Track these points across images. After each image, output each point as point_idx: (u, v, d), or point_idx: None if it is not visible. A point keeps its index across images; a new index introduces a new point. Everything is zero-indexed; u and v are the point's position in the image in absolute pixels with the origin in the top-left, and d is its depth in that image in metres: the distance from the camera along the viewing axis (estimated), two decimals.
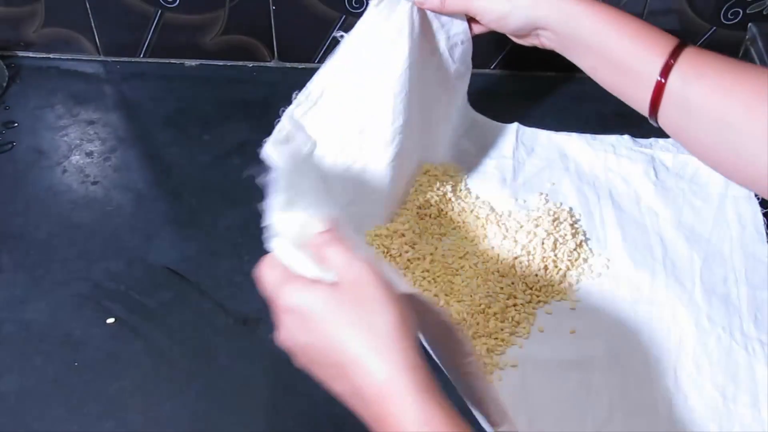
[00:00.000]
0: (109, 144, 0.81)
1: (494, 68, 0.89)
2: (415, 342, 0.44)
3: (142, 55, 0.90)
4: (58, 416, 0.60)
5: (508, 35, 0.66)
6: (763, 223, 0.72)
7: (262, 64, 0.90)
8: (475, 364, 0.52)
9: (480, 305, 0.64)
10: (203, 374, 0.62)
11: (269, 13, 0.85)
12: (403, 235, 0.68)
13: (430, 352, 0.53)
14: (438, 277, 0.66)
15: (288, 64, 0.90)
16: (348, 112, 0.65)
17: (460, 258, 0.68)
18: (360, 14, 0.83)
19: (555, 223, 0.70)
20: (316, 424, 0.60)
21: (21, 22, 0.87)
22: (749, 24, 0.83)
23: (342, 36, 0.66)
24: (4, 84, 0.86)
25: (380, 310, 0.44)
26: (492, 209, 0.72)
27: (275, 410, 0.61)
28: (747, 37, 0.83)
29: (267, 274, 0.47)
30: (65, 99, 0.86)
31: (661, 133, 0.61)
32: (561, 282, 0.67)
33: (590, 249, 0.70)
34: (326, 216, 0.48)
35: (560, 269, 0.68)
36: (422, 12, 0.66)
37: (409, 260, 0.67)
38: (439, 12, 0.66)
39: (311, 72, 0.81)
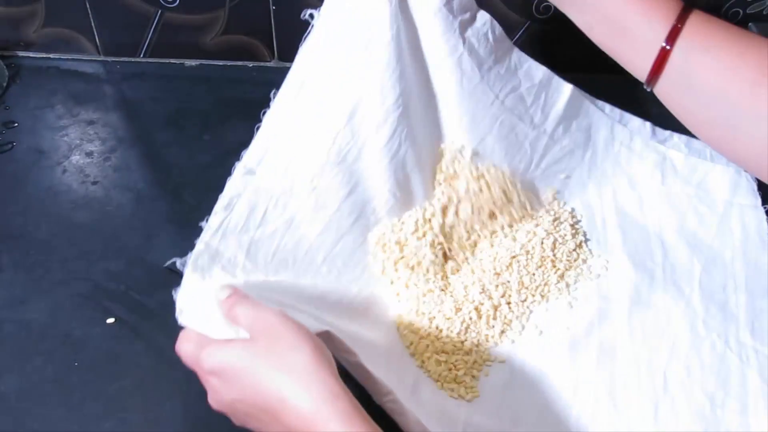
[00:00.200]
0: (109, 144, 0.81)
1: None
2: (334, 372, 0.46)
3: (142, 55, 0.90)
4: (58, 416, 0.60)
5: None
6: (767, 232, 0.71)
7: (262, 64, 0.90)
8: (396, 401, 0.53)
9: (473, 302, 0.64)
10: None
11: (269, 13, 0.85)
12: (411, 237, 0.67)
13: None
14: (436, 271, 0.66)
15: (288, 64, 0.89)
16: (334, 98, 0.62)
17: (459, 255, 0.68)
18: None
19: (555, 223, 0.70)
20: None
21: (21, 22, 0.87)
22: (749, 24, 0.83)
23: (312, 16, 0.62)
24: (4, 84, 0.86)
25: (294, 349, 0.46)
26: (494, 204, 0.72)
27: None
28: None
29: (184, 347, 0.50)
30: (65, 99, 0.86)
31: (679, 128, 0.58)
32: (558, 282, 0.67)
33: (590, 250, 0.70)
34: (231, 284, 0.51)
35: (558, 269, 0.68)
36: None
37: (409, 259, 0.67)
38: None
39: None
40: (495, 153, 0.69)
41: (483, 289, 0.66)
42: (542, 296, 0.67)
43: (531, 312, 0.66)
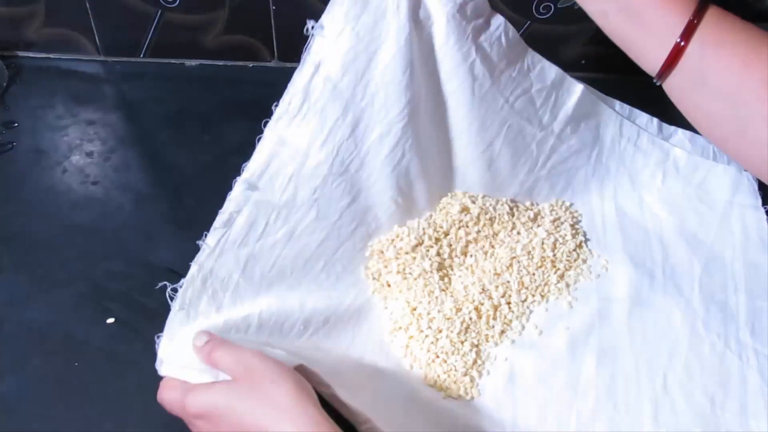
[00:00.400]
0: (109, 144, 0.81)
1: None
2: (315, 402, 0.48)
3: (142, 55, 0.90)
4: (58, 416, 0.60)
5: None
6: (767, 232, 0.71)
7: (262, 64, 0.90)
8: (373, 429, 0.54)
9: (473, 302, 0.65)
10: None
11: (269, 13, 0.85)
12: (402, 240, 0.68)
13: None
14: (435, 271, 0.66)
15: (288, 64, 0.90)
16: (338, 109, 0.61)
17: (458, 256, 0.68)
18: None
19: (556, 224, 0.70)
20: None
21: (21, 22, 0.87)
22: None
23: (314, 27, 0.61)
24: (4, 84, 0.86)
25: (275, 384, 0.47)
26: (494, 208, 0.72)
27: None
28: None
29: (167, 395, 0.51)
30: (65, 99, 0.86)
31: (685, 125, 0.57)
32: (558, 282, 0.67)
33: (590, 250, 0.70)
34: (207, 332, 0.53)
35: (558, 269, 0.68)
36: None
37: (408, 259, 0.68)
38: None
39: None
40: (502, 156, 0.69)
41: (483, 289, 0.66)
42: (542, 296, 0.67)
43: (531, 312, 0.66)
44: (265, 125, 0.80)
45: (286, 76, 0.89)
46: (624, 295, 0.67)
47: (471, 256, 0.68)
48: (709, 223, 0.72)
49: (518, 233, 0.69)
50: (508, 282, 0.66)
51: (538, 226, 0.70)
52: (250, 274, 0.60)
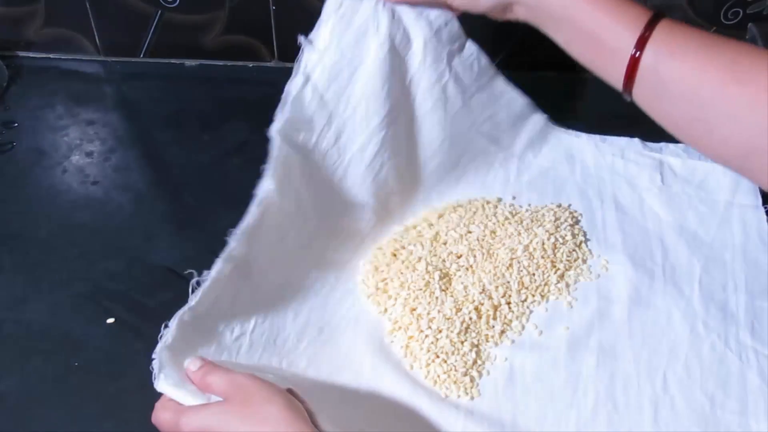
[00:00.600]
0: (109, 144, 0.81)
1: (497, 68, 0.89)
2: (306, 419, 0.49)
3: (142, 55, 0.90)
4: (58, 416, 0.60)
5: (482, 14, 0.65)
6: (767, 232, 0.71)
7: (262, 64, 0.90)
8: None
9: (473, 302, 0.65)
10: None
11: (269, 13, 0.85)
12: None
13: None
14: (434, 271, 0.67)
15: (288, 64, 0.89)
16: (323, 120, 0.65)
17: (458, 255, 0.68)
18: None
19: (556, 224, 0.70)
20: None
21: (21, 22, 0.87)
22: (749, 24, 0.83)
23: (304, 40, 0.65)
24: (4, 84, 0.86)
25: (267, 402, 0.49)
26: (494, 207, 0.72)
27: None
28: (747, 37, 0.83)
29: (162, 416, 0.52)
30: (65, 99, 0.86)
31: (671, 138, 0.59)
32: (558, 282, 0.67)
33: (590, 250, 0.70)
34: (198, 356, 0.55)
35: (558, 269, 0.68)
36: (391, 7, 0.64)
37: (407, 259, 0.68)
38: (407, 2, 0.65)
39: None
40: (469, 171, 0.74)
41: (483, 289, 0.66)
42: (542, 296, 0.67)
43: (531, 312, 0.66)
44: (265, 125, 0.80)
45: (286, 76, 0.89)
46: (624, 295, 0.67)
47: (471, 256, 0.68)
48: (709, 223, 0.72)
49: (518, 233, 0.69)
50: (508, 282, 0.66)
51: (539, 226, 0.70)
52: (247, 272, 0.61)
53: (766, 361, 0.62)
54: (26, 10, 0.86)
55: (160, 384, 0.52)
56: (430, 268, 0.67)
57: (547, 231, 0.69)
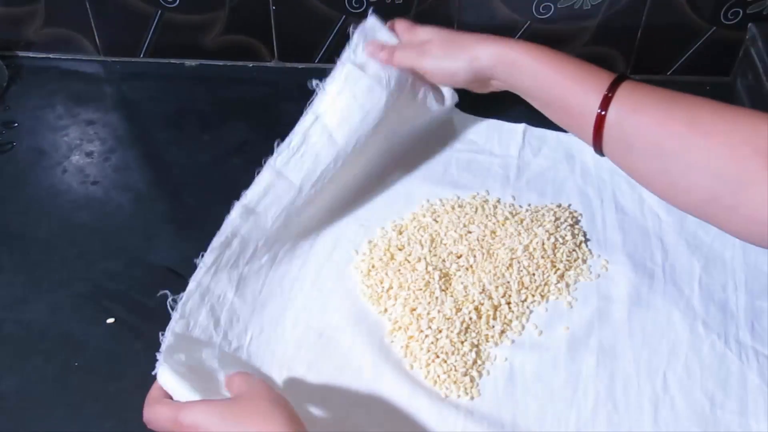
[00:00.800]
0: (109, 144, 0.81)
1: None
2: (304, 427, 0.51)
3: (142, 55, 0.90)
4: (58, 416, 0.60)
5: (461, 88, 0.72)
6: None
7: (262, 64, 0.90)
8: None
9: (473, 302, 0.65)
10: None
11: (269, 13, 0.85)
12: (401, 232, 0.71)
13: None
14: (434, 271, 0.67)
15: (288, 64, 0.90)
16: (330, 156, 0.69)
17: (458, 255, 0.68)
18: (360, 14, 0.84)
19: (556, 224, 0.70)
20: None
21: (21, 22, 0.87)
22: (749, 24, 0.83)
23: (317, 85, 0.70)
24: (4, 84, 0.86)
25: (276, 406, 0.50)
26: (494, 207, 0.72)
27: None
28: (747, 37, 0.83)
29: (158, 409, 0.53)
30: (65, 99, 0.86)
31: None
32: (558, 282, 0.67)
33: (590, 250, 0.70)
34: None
35: (558, 269, 0.68)
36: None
37: (406, 259, 0.68)
38: (388, 64, 0.71)
39: (311, 72, 0.81)
40: (463, 178, 0.76)
41: (483, 289, 0.66)
42: (542, 296, 0.67)
43: (531, 312, 0.66)
44: (264, 125, 0.81)
45: (286, 76, 0.89)
46: (624, 295, 0.67)
47: (471, 256, 0.68)
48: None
49: (518, 233, 0.69)
50: (508, 282, 0.66)
51: (538, 226, 0.70)
52: (242, 293, 0.66)
53: (766, 361, 0.62)
54: (26, 10, 0.86)
55: (162, 372, 0.54)
56: (429, 268, 0.67)
57: (547, 231, 0.69)
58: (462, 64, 0.68)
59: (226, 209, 0.73)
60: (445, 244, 0.69)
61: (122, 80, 0.89)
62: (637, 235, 0.71)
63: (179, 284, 0.67)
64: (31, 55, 0.90)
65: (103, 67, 0.90)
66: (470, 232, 0.70)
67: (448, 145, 0.79)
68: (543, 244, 0.68)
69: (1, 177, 0.77)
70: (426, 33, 0.71)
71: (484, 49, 0.66)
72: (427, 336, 0.63)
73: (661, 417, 0.59)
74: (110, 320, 0.65)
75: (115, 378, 0.62)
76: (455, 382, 0.61)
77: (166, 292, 0.62)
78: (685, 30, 0.84)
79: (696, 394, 0.61)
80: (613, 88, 0.61)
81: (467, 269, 0.67)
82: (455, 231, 0.70)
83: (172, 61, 0.90)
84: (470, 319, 0.64)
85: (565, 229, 0.70)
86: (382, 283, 0.67)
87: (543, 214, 0.71)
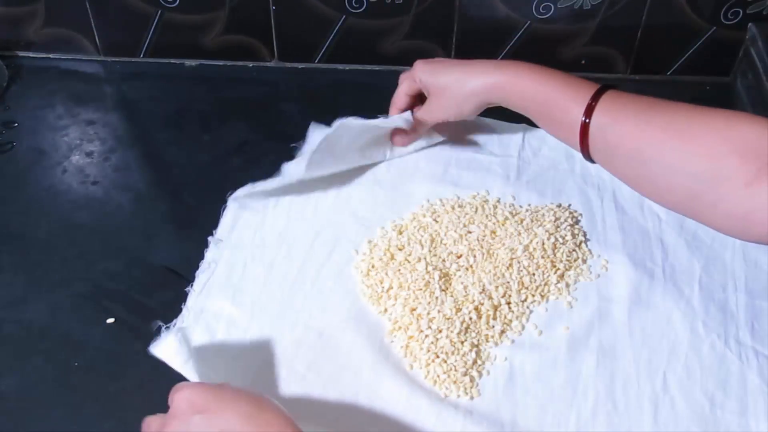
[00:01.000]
0: (109, 144, 0.81)
1: None
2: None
3: (142, 55, 0.90)
4: (58, 416, 0.60)
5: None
6: None
7: (262, 64, 0.90)
8: None
9: (473, 302, 0.65)
10: None
11: (269, 13, 0.85)
12: (401, 232, 0.71)
13: None
14: (434, 271, 0.67)
15: (288, 64, 0.90)
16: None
17: (458, 255, 0.68)
18: (360, 14, 0.84)
19: (556, 224, 0.70)
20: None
21: (21, 22, 0.87)
22: (749, 24, 0.83)
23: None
24: (4, 84, 0.86)
25: (272, 407, 0.52)
26: (494, 207, 0.72)
27: None
28: (747, 37, 0.83)
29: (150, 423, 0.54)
30: (65, 99, 0.86)
31: None
32: (558, 282, 0.67)
33: (590, 250, 0.70)
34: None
35: (558, 269, 0.68)
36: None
37: (406, 259, 0.68)
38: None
39: (311, 72, 0.81)
40: (464, 178, 0.76)
41: (483, 289, 0.66)
42: (542, 296, 0.67)
43: (531, 312, 0.66)
44: (265, 125, 0.81)
45: (286, 76, 0.89)
46: (624, 294, 0.67)
47: (471, 256, 0.68)
48: None
49: (518, 233, 0.69)
50: (508, 282, 0.66)
51: (539, 226, 0.70)
52: (239, 302, 0.66)
53: (766, 361, 0.62)
54: (26, 10, 0.86)
55: (158, 348, 0.57)
56: (429, 268, 0.67)
57: (547, 231, 0.69)
58: (466, 103, 0.72)
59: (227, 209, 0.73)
60: (445, 244, 0.69)
61: (122, 80, 0.89)
62: (637, 235, 0.71)
63: (179, 284, 0.67)
64: (31, 55, 0.90)
65: (103, 67, 0.90)
66: (470, 232, 0.70)
67: (448, 145, 0.79)
68: (543, 244, 0.68)
69: (1, 177, 0.77)
70: (425, 79, 0.74)
71: (476, 84, 0.70)
72: (427, 336, 0.63)
73: (661, 417, 0.59)
74: (110, 320, 0.65)
75: (115, 378, 0.62)
76: (455, 382, 0.61)
77: (159, 322, 0.64)
78: (685, 30, 0.84)
79: (696, 394, 0.61)
80: (596, 98, 0.64)
81: (467, 269, 0.67)
82: (455, 231, 0.70)
83: (172, 61, 0.90)
84: (470, 319, 0.64)
85: (565, 229, 0.70)
86: (382, 283, 0.67)
87: (543, 214, 0.72)
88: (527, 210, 0.72)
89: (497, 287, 0.66)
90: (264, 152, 0.79)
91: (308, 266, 0.69)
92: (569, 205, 0.74)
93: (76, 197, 0.76)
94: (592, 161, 0.67)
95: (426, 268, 0.67)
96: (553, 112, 0.67)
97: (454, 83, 0.71)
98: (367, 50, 0.85)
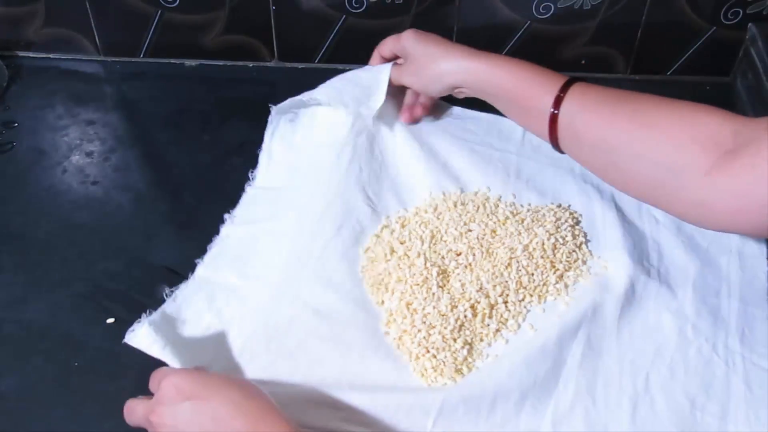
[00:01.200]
0: (109, 144, 0.81)
1: None
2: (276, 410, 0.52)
3: (142, 55, 0.90)
4: (58, 416, 0.60)
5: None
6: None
7: (262, 64, 0.90)
8: None
9: (470, 299, 0.65)
10: None
11: (269, 13, 0.85)
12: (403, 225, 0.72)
13: None
14: (433, 267, 0.67)
15: (288, 64, 0.90)
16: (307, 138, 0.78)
17: (457, 253, 0.69)
18: (360, 14, 0.84)
19: (557, 224, 0.70)
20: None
21: (21, 22, 0.87)
22: (749, 24, 0.83)
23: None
24: (4, 84, 0.86)
25: (259, 394, 0.53)
26: (495, 206, 0.72)
27: None
28: (747, 37, 0.83)
29: (134, 407, 0.55)
30: (65, 99, 0.86)
31: None
32: (557, 282, 0.67)
33: (590, 251, 0.70)
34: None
35: (558, 270, 0.68)
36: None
37: (406, 254, 0.68)
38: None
39: (311, 72, 0.82)
40: (465, 171, 0.76)
41: (481, 287, 0.66)
42: (540, 297, 0.67)
43: (528, 312, 0.66)
44: (265, 124, 0.81)
45: (285, 75, 0.89)
46: (618, 293, 0.66)
47: (470, 254, 0.68)
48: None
49: (518, 233, 0.69)
50: (506, 281, 0.66)
51: (539, 226, 0.70)
52: (245, 274, 0.67)
53: (754, 367, 0.62)
54: (26, 10, 0.86)
55: (133, 336, 0.58)
56: (428, 264, 0.67)
57: (547, 231, 0.69)
58: (435, 80, 0.73)
59: (226, 209, 0.73)
60: (445, 241, 0.69)
61: (122, 80, 0.89)
62: (634, 236, 0.71)
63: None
64: (31, 55, 0.90)
65: (103, 67, 0.90)
66: (470, 231, 0.70)
67: (449, 133, 0.80)
68: (543, 244, 0.68)
69: (1, 177, 0.77)
70: (408, 46, 0.75)
71: (450, 65, 0.72)
72: (419, 331, 0.63)
73: (639, 416, 0.59)
74: (110, 320, 0.65)
75: (115, 378, 0.62)
76: (442, 375, 0.61)
77: (165, 286, 0.65)
78: (685, 30, 0.84)
79: (677, 396, 0.60)
80: (564, 89, 0.66)
81: (466, 267, 0.67)
82: (456, 228, 0.70)
83: (172, 61, 0.90)
84: (465, 317, 0.64)
85: (565, 229, 0.70)
86: (381, 275, 0.67)
87: (543, 214, 0.71)
88: (528, 210, 0.72)
89: (495, 286, 0.66)
90: None
91: (316, 239, 0.69)
92: (569, 205, 0.74)
93: (76, 197, 0.76)
94: (561, 152, 0.69)
95: (425, 264, 0.67)
96: (523, 102, 0.69)
97: (430, 57, 0.73)
98: (367, 50, 0.85)
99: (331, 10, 0.84)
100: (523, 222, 0.70)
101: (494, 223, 0.70)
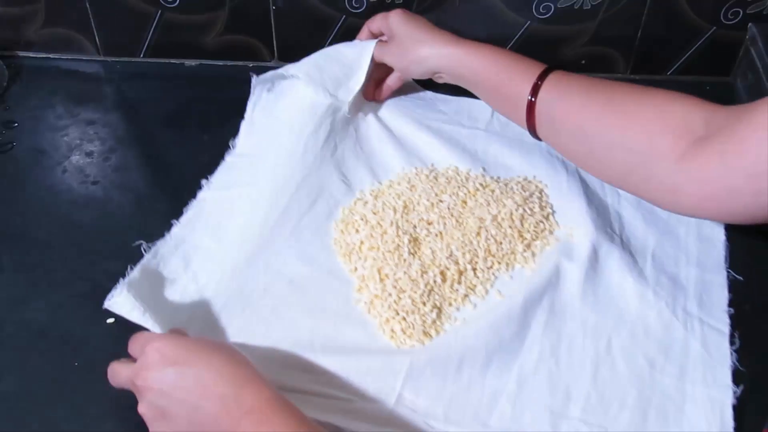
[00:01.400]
0: (109, 144, 0.81)
1: None
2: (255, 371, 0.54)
3: (142, 55, 0.90)
4: (58, 416, 0.60)
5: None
6: None
7: (262, 64, 0.90)
8: None
9: (439, 266, 0.67)
10: None
11: (269, 13, 0.85)
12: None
13: None
14: (404, 235, 0.69)
15: (288, 64, 0.90)
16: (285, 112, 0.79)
17: (428, 222, 0.70)
18: (360, 15, 0.84)
19: (524, 196, 0.72)
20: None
21: (21, 22, 0.87)
22: (749, 24, 0.83)
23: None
24: (4, 84, 0.87)
25: (242, 360, 0.54)
26: (465, 179, 0.74)
27: None
28: (747, 37, 0.84)
29: (118, 370, 0.57)
30: (65, 99, 0.86)
31: None
32: (525, 251, 0.69)
33: (557, 222, 0.72)
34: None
35: (525, 239, 0.70)
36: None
37: (379, 223, 0.70)
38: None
39: None
40: (436, 148, 0.78)
41: (450, 254, 0.68)
42: (507, 264, 0.68)
43: (496, 278, 0.68)
44: None
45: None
46: (582, 259, 0.68)
47: (441, 223, 0.70)
48: None
49: (488, 204, 0.71)
50: (476, 249, 0.68)
51: (508, 198, 0.72)
52: (219, 237, 0.69)
53: (711, 330, 0.64)
54: (26, 10, 0.86)
55: (113, 302, 0.60)
56: (400, 232, 0.69)
57: (515, 202, 0.71)
58: (415, 63, 0.75)
59: None
60: (417, 211, 0.71)
61: (122, 80, 0.89)
62: (599, 207, 0.73)
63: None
64: (31, 55, 0.90)
65: (103, 67, 0.90)
66: (442, 201, 0.72)
67: (420, 114, 0.82)
68: (511, 214, 0.70)
69: (1, 177, 0.77)
70: (394, 26, 0.76)
71: (432, 49, 0.73)
72: (390, 295, 0.65)
73: (601, 376, 0.61)
74: (110, 320, 0.65)
75: None
76: (410, 337, 0.63)
77: (141, 242, 0.68)
78: (685, 30, 0.84)
79: (637, 358, 0.62)
80: (542, 77, 0.67)
81: (437, 235, 0.69)
82: (428, 199, 0.72)
83: (172, 61, 0.90)
84: (435, 282, 0.66)
85: (533, 201, 0.72)
86: (354, 243, 0.69)
87: (512, 187, 0.73)
88: (497, 182, 0.74)
89: (464, 253, 0.68)
90: None
91: (291, 211, 0.71)
92: (535, 177, 0.76)
93: (76, 197, 0.76)
94: (539, 139, 0.71)
95: (397, 232, 0.69)
96: (501, 89, 0.71)
97: (414, 40, 0.74)
98: None
99: (331, 10, 0.84)
100: (492, 193, 0.73)
101: (465, 194, 0.72)
